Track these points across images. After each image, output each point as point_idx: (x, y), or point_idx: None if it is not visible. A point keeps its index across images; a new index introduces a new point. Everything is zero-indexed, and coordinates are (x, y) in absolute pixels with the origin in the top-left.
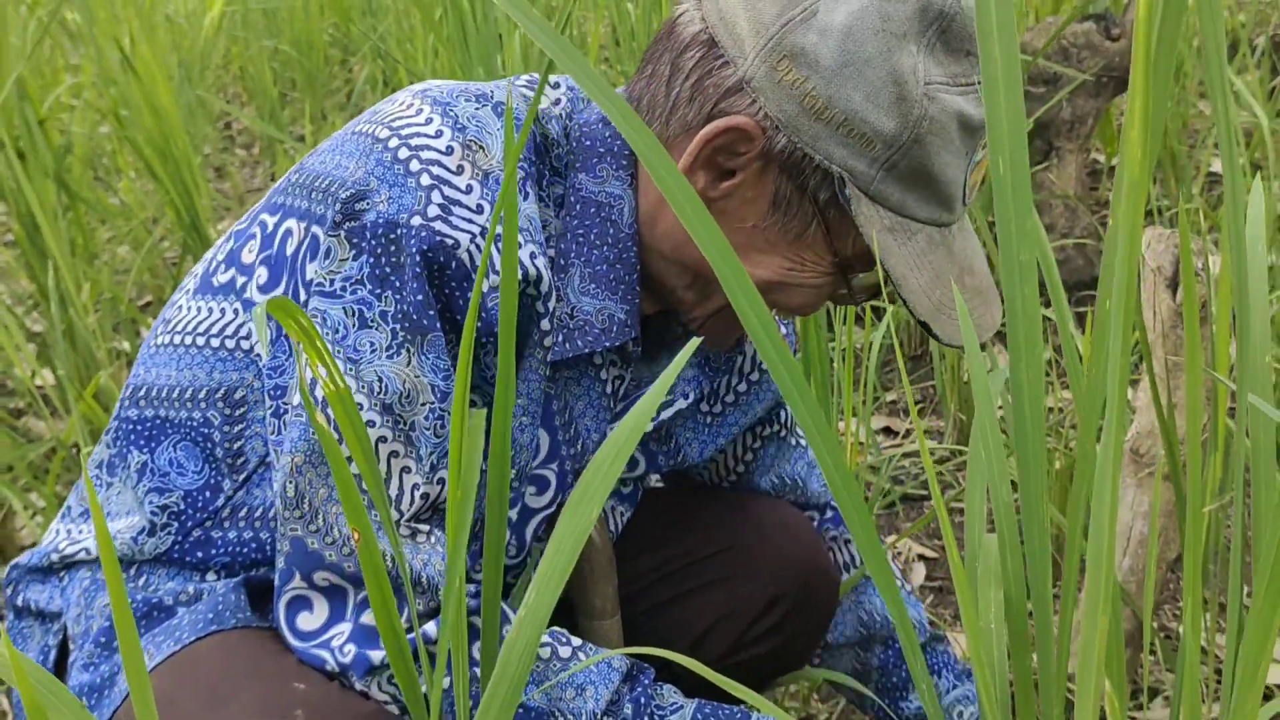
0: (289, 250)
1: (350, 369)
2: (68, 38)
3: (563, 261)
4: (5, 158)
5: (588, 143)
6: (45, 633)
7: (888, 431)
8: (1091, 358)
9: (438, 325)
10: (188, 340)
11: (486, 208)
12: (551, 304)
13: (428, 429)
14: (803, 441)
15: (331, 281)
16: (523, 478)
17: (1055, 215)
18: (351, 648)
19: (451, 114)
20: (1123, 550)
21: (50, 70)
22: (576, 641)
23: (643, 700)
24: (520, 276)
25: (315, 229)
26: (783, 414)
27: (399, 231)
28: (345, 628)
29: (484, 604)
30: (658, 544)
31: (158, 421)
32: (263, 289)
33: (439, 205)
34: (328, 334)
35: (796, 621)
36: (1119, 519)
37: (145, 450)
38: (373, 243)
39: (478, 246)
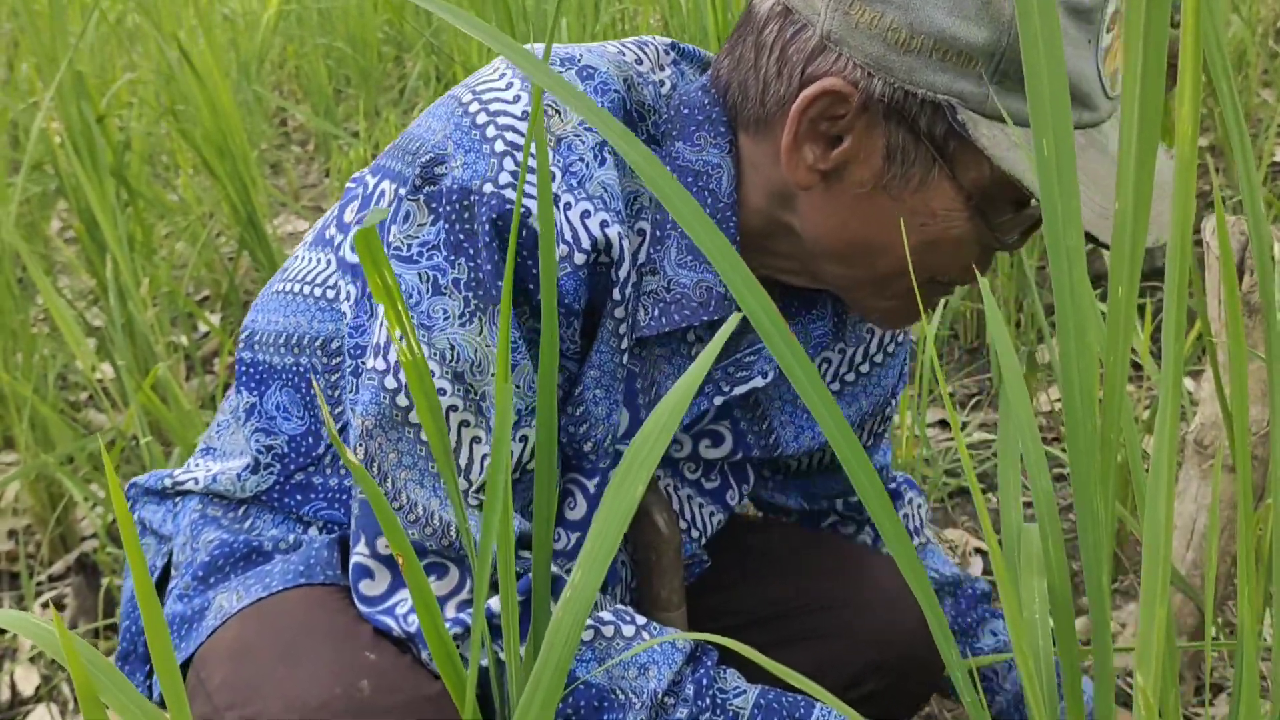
0: None
1: (423, 335)
2: (126, 36)
3: (659, 233)
4: (65, 154)
5: (685, 111)
6: (156, 552)
7: (944, 425)
8: (1110, 344)
9: (495, 293)
10: (295, 288)
11: (557, 174)
12: (624, 272)
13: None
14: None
15: (409, 246)
16: (600, 452)
17: None
18: (415, 618)
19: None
20: (1185, 543)
21: (109, 68)
22: (640, 620)
23: (704, 682)
24: (590, 246)
25: (401, 191)
26: (890, 409)
27: (472, 198)
28: (407, 594)
29: (534, 574)
30: (763, 581)
31: (266, 366)
32: (353, 248)
33: (510, 172)
34: (413, 313)
35: (889, 697)
36: (1183, 512)
37: (255, 393)
38: (447, 208)
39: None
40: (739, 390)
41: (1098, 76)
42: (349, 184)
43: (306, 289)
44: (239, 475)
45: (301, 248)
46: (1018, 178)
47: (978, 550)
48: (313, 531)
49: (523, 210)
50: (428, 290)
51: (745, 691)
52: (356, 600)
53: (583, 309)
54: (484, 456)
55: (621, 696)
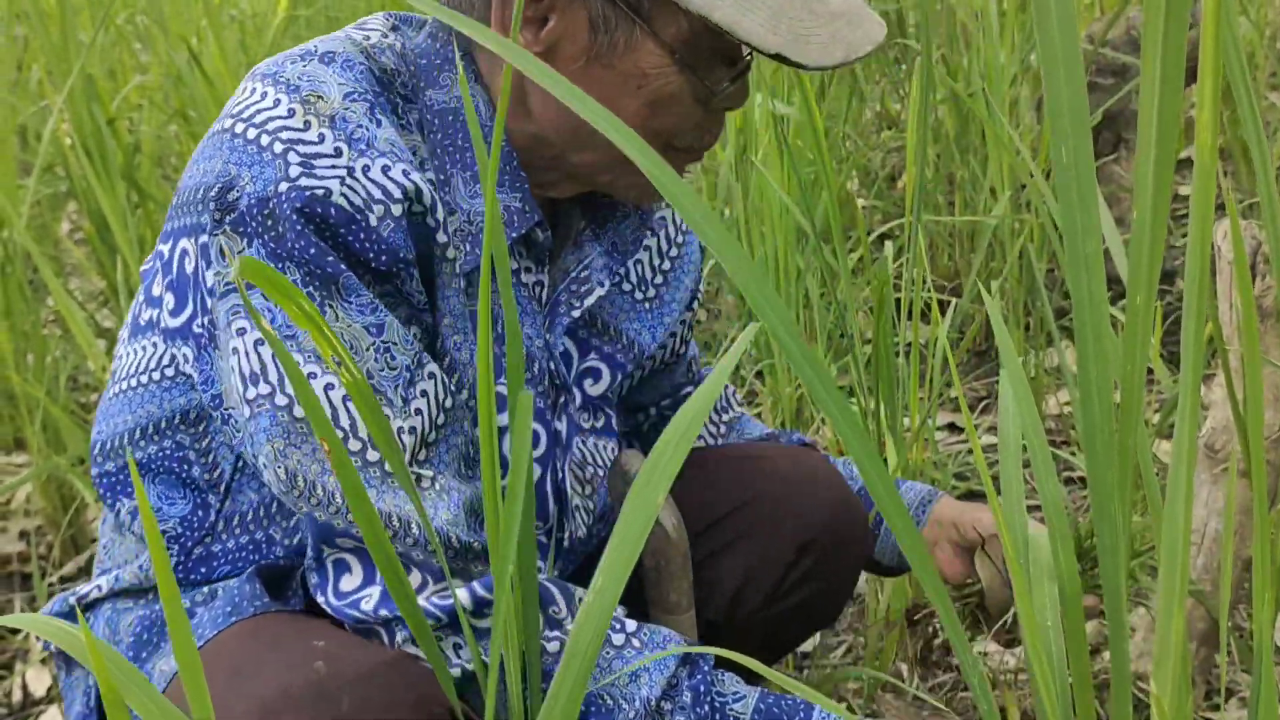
0: (188, 269)
1: (293, 345)
2: (136, 38)
3: (443, 177)
4: (76, 157)
5: (423, 61)
6: (87, 676)
7: (953, 428)
8: (1127, 352)
9: (343, 268)
10: (132, 383)
11: (344, 148)
12: (441, 215)
13: (381, 370)
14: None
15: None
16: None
17: (1124, 208)
18: (377, 607)
19: (281, 80)
20: (1197, 548)
21: (119, 70)
22: (631, 626)
23: (702, 688)
24: (401, 195)
25: (203, 238)
26: (695, 301)
27: (271, 204)
28: (374, 590)
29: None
30: (692, 499)
31: (128, 469)
32: (173, 313)
33: (299, 164)
34: (255, 324)
35: (829, 566)
36: (1194, 516)
37: (129, 497)
38: (255, 224)
39: (351, 188)
40: (587, 302)
41: None
42: (143, 267)
43: (144, 378)
44: (141, 567)
45: (121, 346)
46: (703, 14)
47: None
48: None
49: (322, 191)
50: (276, 307)
51: (745, 696)
52: (332, 597)
53: (415, 258)
54: (398, 430)
55: (609, 702)
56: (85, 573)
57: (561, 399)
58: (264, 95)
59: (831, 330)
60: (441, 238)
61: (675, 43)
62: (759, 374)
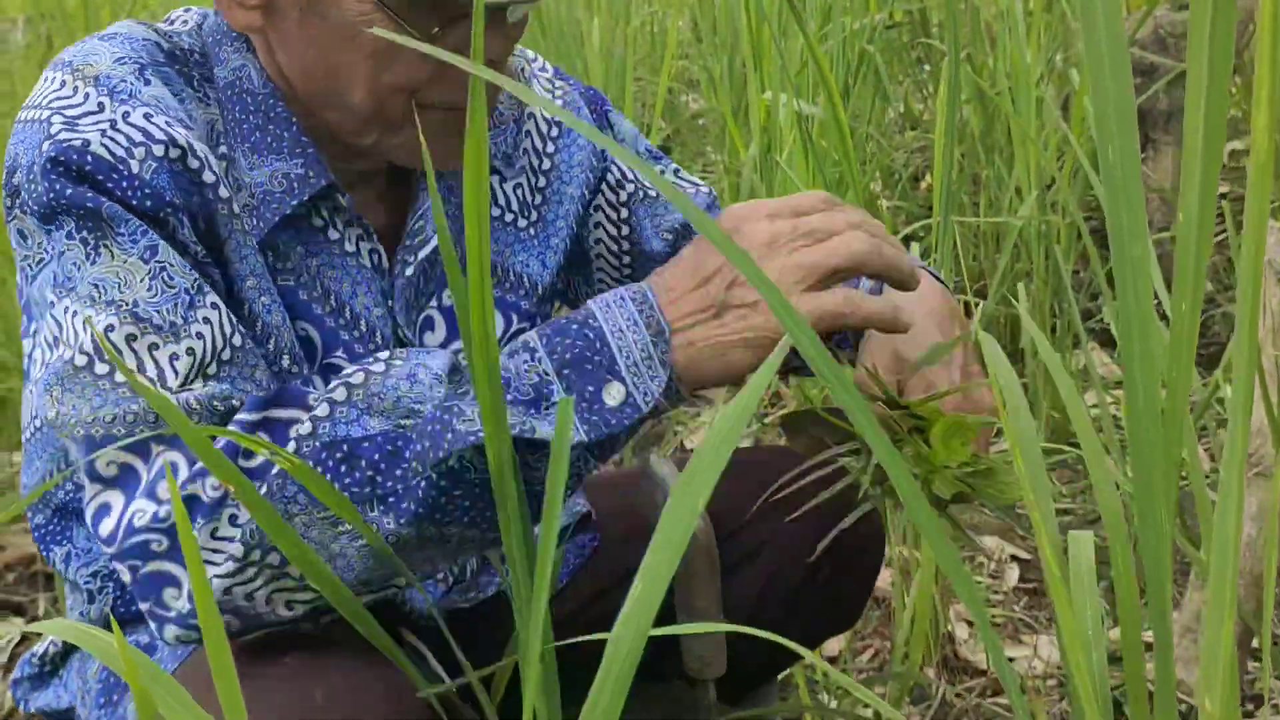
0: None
1: (72, 300)
2: None
3: (231, 153)
4: None
5: (212, 38)
6: None
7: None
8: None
9: (104, 200)
10: (36, 424)
11: (106, 101)
12: (217, 171)
13: (152, 297)
14: (686, 189)
15: (41, 252)
16: (297, 361)
17: (1151, 209)
18: (160, 514)
19: (61, 61)
20: None
21: None
22: (384, 354)
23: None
24: (164, 139)
25: (10, 229)
26: (620, 173)
27: (35, 167)
28: (146, 505)
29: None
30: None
31: (57, 514)
32: (24, 332)
33: (61, 123)
34: (59, 291)
35: (846, 574)
36: None
37: (62, 543)
38: (26, 192)
39: (112, 138)
40: (420, 255)
41: None
42: None
43: (38, 423)
44: (83, 613)
45: (25, 388)
46: None
47: (1013, 558)
48: None
49: (81, 142)
50: (58, 264)
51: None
52: (105, 547)
53: (185, 206)
54: (173, 356)
55: (409, 420)
56: None
57: None
58: (45, 80)
59: None
60: (224, 193)
61: None
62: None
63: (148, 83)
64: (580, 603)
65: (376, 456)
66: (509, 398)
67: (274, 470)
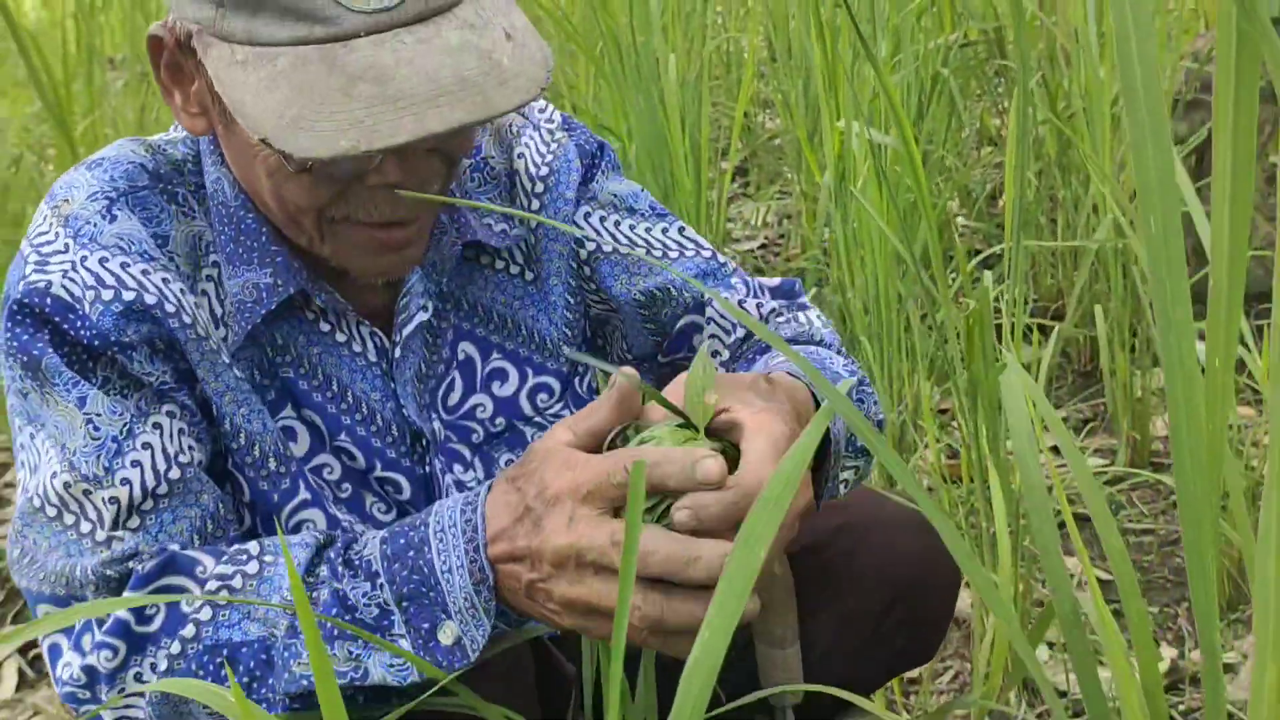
0: None
1: (38, 431)
2: None
3: (219, 259)
4: None
5: (202, 146)
6: None
7: (1057, 450)
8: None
9: (49, 351)
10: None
11: (70, 243)
12: (173, 304)
13: (84, 447)
14: (674, 255)
15: (8, 382)
16: (285, 462)
17: None
18: (77, 673)
19: (51, 196)
20: None
21: None
22: (255, 548)
23: (333, 556)
24: (113, 284)
25: None
26: (588, 230)
27: (8, 305)
28: (74, 658)
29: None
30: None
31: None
32: (14, 443)
33: (35, 263)
34: (29, 422)
35: (919, 614)
36: None
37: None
38: (3, 332)
39: (71, 279)
40: (405, 332)
41: None
42: None
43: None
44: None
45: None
46: (220, 92)
47: (1097, 579)
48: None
49: (44, 283)
50: (22, 400)
51: (373, 538)
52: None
53: (140, 340)
54: (102, 502)
55: (279, 631)
56: None
57: (423, 443)
58: (40, 214)
59: (934, 355)
60: (187, 319)
61: None
62: None
63: (113, 220)
64: None
65: (253, 664)
66: (353, 625)
67: (170, 648)
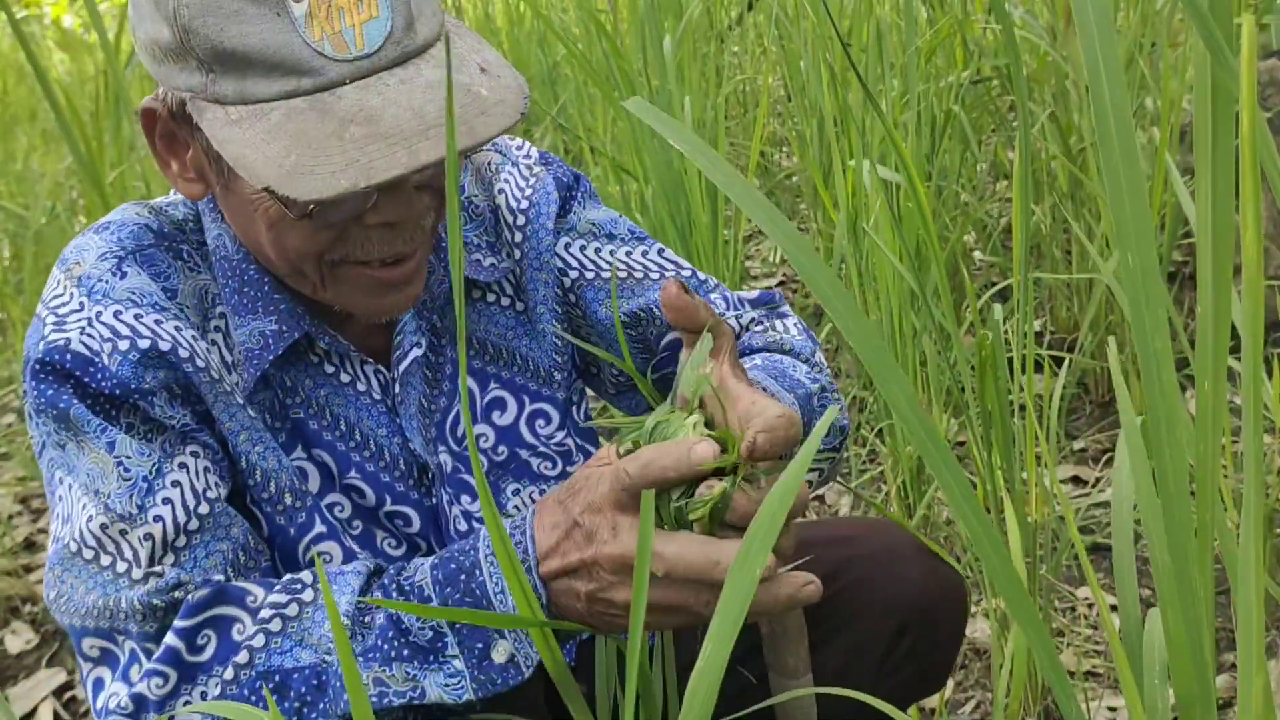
0: None
1: (73, 480)
2: None
3: (224, 310)
4: None
5: (202, 206)
6: None
7: (1077, 481)
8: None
9: (75, 401)
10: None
11: (85, 301)
12: (186, 350)
13: (117, 489)
14: (654, 276)
15: (39, 437)
16: (301, 496)
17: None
18: (125, 702)
19: (63, 261)
20: None
21: None
22: (309, 576)
23: (386, 582)
24: (129, 334)
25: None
26: (564, 262)
27: (27, 368)
28: (120, 688)
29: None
30: None
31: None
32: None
33: (53, 324)
34: (62, 470)
35: (928, 642)
36: None
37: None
38: (25, 388)
39: (89, 335)
40: (402, 367)
41: (305, 44)
42: None
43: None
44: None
45: None
46: (224, 152)
47: (1113, 608)
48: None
49: (63, 340)
50: (56, 450)
51: (424, 564)
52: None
53: (158, 386)
54: (143, 537)
55: (331, 657)
56: None
57: (429, 475)
58: (53, 279)
59: (950, 388)
60: (200, 363)
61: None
62: (879, 433)
63: (123, 276)
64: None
65: (304, 689)
66: (407, 647)
67: (223, 674)
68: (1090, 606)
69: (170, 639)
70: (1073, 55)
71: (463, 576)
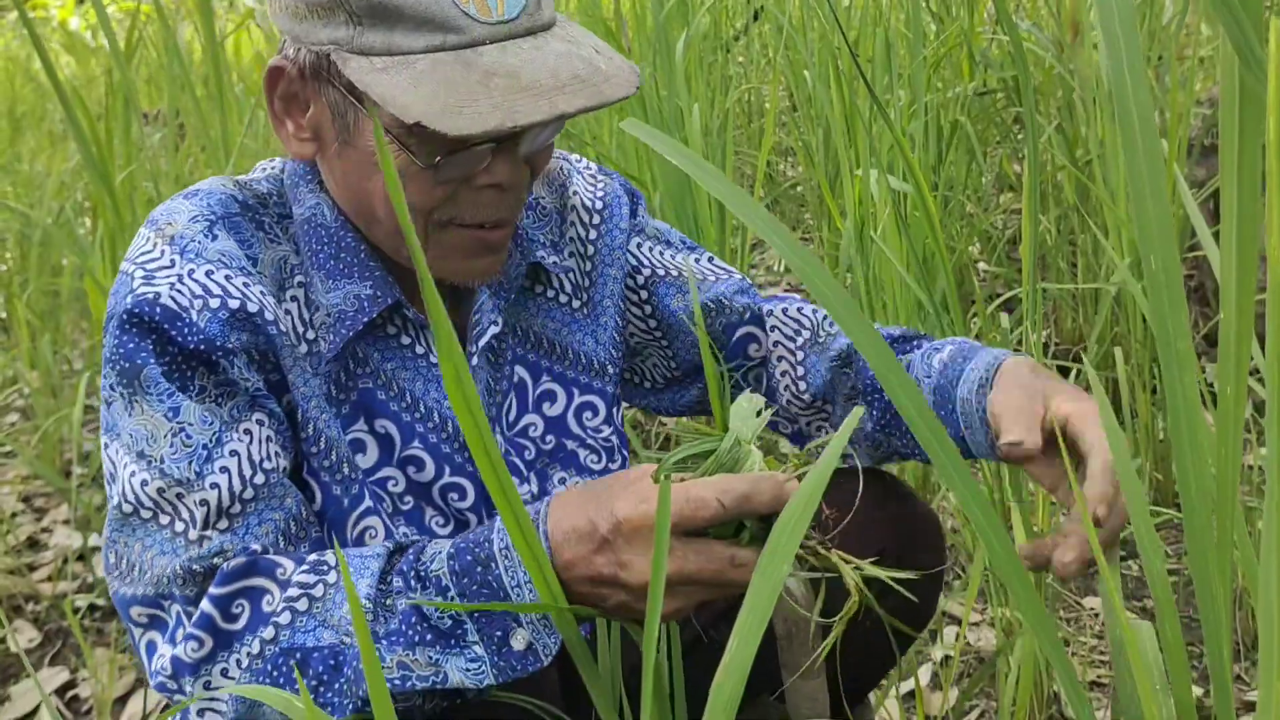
0: None
1: (119, 445)
2: None
3: (307, 280)
4: None
5: (289, 182)
6: None
7: None
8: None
9: (151, 362)
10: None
11: (177, 259)
12: (271, 313)
13: (173, 454)
14: (712, 278)
15: (105, 395)
16: (354, 469)
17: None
18: (166, 664)
19: (152, 221)
20: None
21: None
22: (332, 559)
23: (405, 568)
24: (221, 293)
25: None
26: (638, 260)
27: (113, 320)
28: (166, 650)
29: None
30: None
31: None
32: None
33: (142, 278)
34: (110, 435)
35: (910, 565)
36: None
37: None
38: (105, 341)
39: (178, 290)
40: (480, 344)
41: (453, 4)
42: None
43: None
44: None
45: None
46: (375, 96)
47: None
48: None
49: (153, 295)
50: (108, 410)
51: (439, 552)
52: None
53: (242, 349)
54: (196, 502)
55: (349, 639)
56: None
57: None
58: (140, 237)
59: None
60: (283, 328)
61: (385, 120)
62: None
63: (214, 238)
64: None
65: (321, 668)
66: (430, 632)
67: (250, 646)
68: (1095, 615)
69: (206, 605)
70: (1079, 68)
71: (479, 569)
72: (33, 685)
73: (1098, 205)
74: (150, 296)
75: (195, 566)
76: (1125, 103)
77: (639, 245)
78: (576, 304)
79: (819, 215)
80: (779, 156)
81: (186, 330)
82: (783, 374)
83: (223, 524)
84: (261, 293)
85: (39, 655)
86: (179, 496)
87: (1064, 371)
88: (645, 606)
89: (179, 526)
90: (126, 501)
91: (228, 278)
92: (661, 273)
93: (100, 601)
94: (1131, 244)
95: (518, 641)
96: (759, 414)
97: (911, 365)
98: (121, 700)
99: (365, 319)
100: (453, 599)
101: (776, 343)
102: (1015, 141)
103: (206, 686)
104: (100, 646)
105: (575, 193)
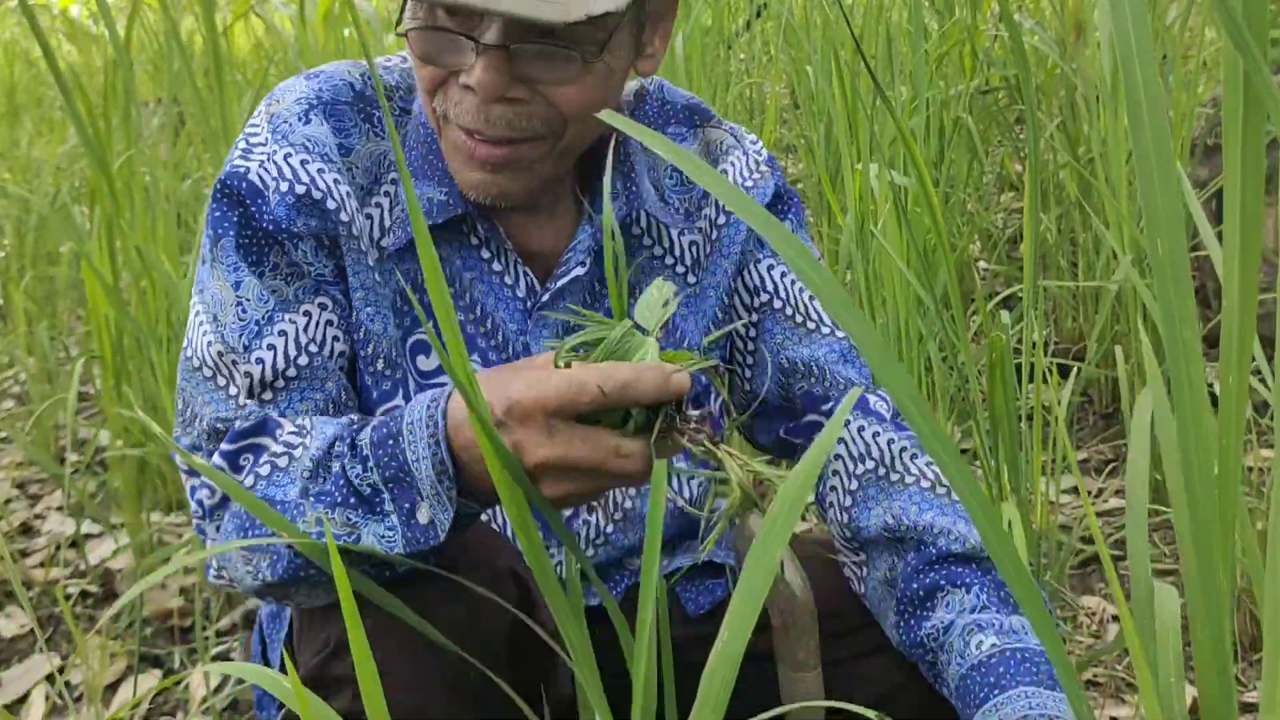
0: None
1: (199, 300)
2: None
3: (391, 174)
4: None
5: (413, 80)
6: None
7: (1077, 491)
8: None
9: (230, 232)
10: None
11: (269, 138)
12: (335, 202)
13: (232, 323)
14: (824, 330)
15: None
16: (392, 365)
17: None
18: (195, 508)
19: (270, 98)
20: None
21: None
22: (306, 423)
23: (348, 434)
24: (292, 178)
25: None
26: (760, 277)
27: (216, 184)
28: (196, 496)
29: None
30: (830, 603)
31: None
32: None
33: (241, 151)
34: (196, 287)
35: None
36: None
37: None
38: (210, 202)
39: (265, 168)
40: (560, 283)
41: None
42: None
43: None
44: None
45: None
46: None
47: (1114, 618)
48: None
49: (244, 169)
50: (199, 266)
51: (370, 425)
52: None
53: (309, 234)
54: (246, 372)
55: (305, 499)
56: (243, 626)
57: None
58: (258, 111)
59: (954, 394)
60: (345, 218)
61: None
62: None
63: (307, 123)
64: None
65: (289, 519)
66: (354, 496)
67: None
68: (1091, 615)
69: (217, 458)
70: (1082, 67)
71: (390, 442)
72: (24, 671)
73: (1100, 203)
74: (242, 170)
75: (219, 425)
76: (1133, 75)
77: (770, 268)
78: (692, 280)
79: (819, 211)
80: (780, 152)
81: (264, 208)
82: (830, 489)
83: (266, 395)
84: (335, 181)
85: (30, 641)
86: (233, 363)
87: (1064, 371)
88: (541, 489)
89: (232, 390)
90: (196, 355)
91: (304, 163)
92: (779, 305)
93: (92, 588)
94: (1133, 241)
95: (422, 515)
96: (665, 304)
97: (951, 627)
98: (112, 687)
99: (430, 223)
100: (371, 469)
101: (838, 456)
102: (1016, 140)
103: (217, 530)
104: (92, 633)
105: (724, 171)
